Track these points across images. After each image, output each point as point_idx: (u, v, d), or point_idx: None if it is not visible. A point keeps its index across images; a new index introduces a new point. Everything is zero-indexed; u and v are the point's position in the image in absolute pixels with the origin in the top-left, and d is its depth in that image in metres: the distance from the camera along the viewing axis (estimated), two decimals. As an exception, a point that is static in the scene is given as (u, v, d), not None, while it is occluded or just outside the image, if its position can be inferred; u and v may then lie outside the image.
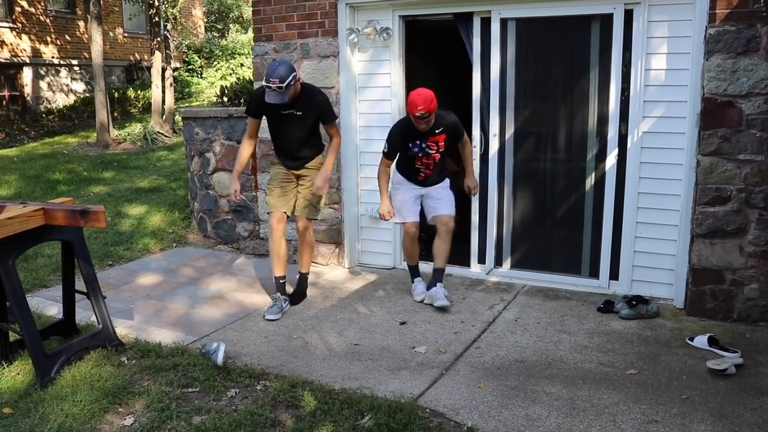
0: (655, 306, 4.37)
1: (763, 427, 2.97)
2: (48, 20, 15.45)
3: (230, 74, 17.59)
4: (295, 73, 4.17)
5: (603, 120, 4.68)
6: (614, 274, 4.78)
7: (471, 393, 3.34)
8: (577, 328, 4.19)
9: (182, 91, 17.22)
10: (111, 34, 16.74)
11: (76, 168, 10.05)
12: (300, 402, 3.23)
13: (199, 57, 19.20)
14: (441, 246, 4.66)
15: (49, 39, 15.46)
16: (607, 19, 4.50)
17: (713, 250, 4.22)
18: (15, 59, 14.69)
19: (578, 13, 4.59)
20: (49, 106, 15.36)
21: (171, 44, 14.25)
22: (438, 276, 4.69)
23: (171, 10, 13.87)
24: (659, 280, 4.61)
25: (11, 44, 14.60)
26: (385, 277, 5.37)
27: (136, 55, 17.94)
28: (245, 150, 4.62)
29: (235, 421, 3.04)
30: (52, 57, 15.54)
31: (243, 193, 6.06)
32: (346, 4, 5.23)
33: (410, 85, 5.52)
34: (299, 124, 4.44)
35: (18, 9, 14.69)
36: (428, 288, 4.68)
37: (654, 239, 4.58)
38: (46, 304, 4.69)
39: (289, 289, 4.85)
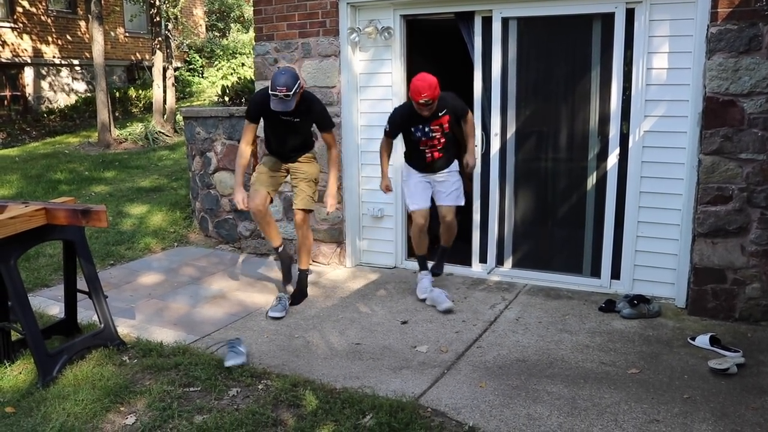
0: (657, 305, 4.37)
1: (765, 427, 2.97)
2: (49, 20, 15.46)
3: (231, 74, 17.59)
4: (299, 81, 4.23)
5: (604, 119, 4.67)
6: (616, 274, 4.78)
7: (472, 392, 3.34)
8: (579, 327, 4.19)
9: (183, 91, 17.22)
10: (112, 33, 16.74)
11: (78, 168, 10.06)
12: (301, 401, 3.23)
13: (200, 56, 19.20)
14: (444, 233, 4.82)
15: (50, 39, 15.46)
16: (608, 18, 4.50)
17: (715, 249, 4.22)
18: (16, 59, 14.70)
19: (580, 12, 4.59)
20: (50, 105, 15.37)
21: (172, 44, 14.25)
22: (441, 255, 4.92)
23: (172, 10, 13.87)
24: (661, 280, 4.61)
25: (12, 44, 14.60)
26: (386, 276, 5.37)
27: (138, 54, 17.94)
28: (245, 158, 4.61)
29: (236, 420, 3.05)
30: (54, 57, 15.55)
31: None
32: (348, 3, 5.23)
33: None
34: (296, 130, 4.53)
35: (19, 9, 14.69)
36: (432, 270, 4.87)
37: (655, 238, 4.57)
38: (48, 304, 4.70)
39: (290, 289, 4.87)
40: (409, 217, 5.32)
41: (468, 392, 3.35)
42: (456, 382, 3.47)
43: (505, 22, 4.82)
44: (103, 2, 12.78)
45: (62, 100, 15.68)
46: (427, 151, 4.56)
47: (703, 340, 3.84)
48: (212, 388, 3.39)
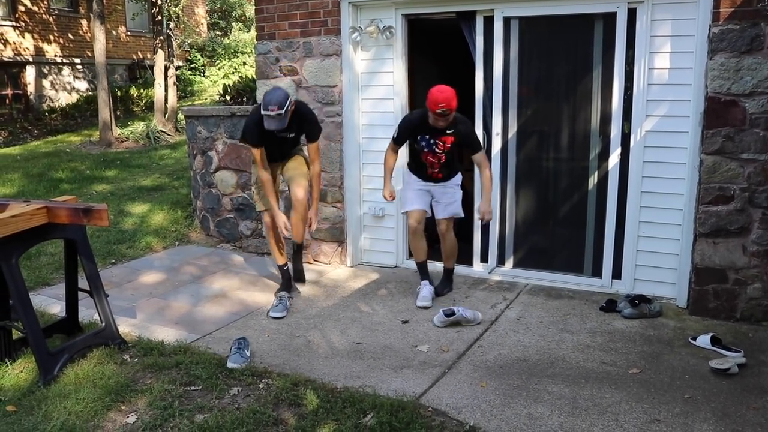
0: (658, 305, 4.37)
1: (766, 427, 2.97)
2: (51, 19, 15.47)
3: (233, 73, 17.61)
4: (290, 98, 4.34)
5: (606, 119, 4.67)
6: (617, 273, 4.78)
7: (473, 392, 3.34)
8: (580, 327, 4.19)
9: (185, 90, 17.22)
10: (114, 32, 16.75)
11: (79, 166, 10.06)
12: (302, 400, 3.23)
13: (201, 55, 19.20)
14: (444, 247, 4.79)
15: (52, 37, 15.47)
16: (610, 18, 4.49)
17: (716, 249, 4.21)
18: (18, 58, 14.71)
19: (581, 12, 4.59)
20: (52, 104, 15.37)
21: (173, 43, 14.25)
22: (446, 275, 4.89)
23: (174, 9, 13.87)
24: (662, 280, 4.61)
25: (14, 43, 14.61)
26: (387, 275, 5.37)
27: (139, 53, 17.94)
28: (268, 181, 4.62)
29: (237, 419, 3.05)
30: (55, 55, 15.56)
31: (245, 192, 6.08)
32: (349, 2, 5.23)
33: (413, 83, 5.53)
34: (290, 143, 4.69)
35: (21, 8, 14.70)
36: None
37: (657, 238, 4.57)
38: (49, 302, 4.70)
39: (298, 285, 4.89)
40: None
41: (469, 392, 3.35)
42: (457, 381, 3.47)
43: (506, 21, 4.82)
44: (104, 1, 12.78)
45: (64, 99, 15.69)
46: (428, 165, 4.56)
47: (704, 340, 3.84)
48: (213, 387, 3.39)
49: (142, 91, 16.12)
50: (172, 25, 14.04)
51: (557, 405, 3.19)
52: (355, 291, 5.01)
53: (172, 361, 3.68)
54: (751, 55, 3.95)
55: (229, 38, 20.91)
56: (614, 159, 4.65)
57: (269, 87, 5.58)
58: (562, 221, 5.05)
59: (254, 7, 5.74)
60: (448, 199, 4.60)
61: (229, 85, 7.65)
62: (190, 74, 18.55)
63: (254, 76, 6.43)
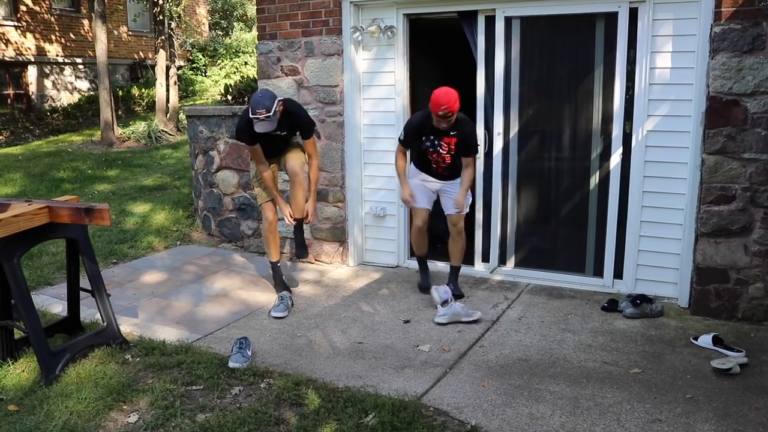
0: (660, 305, 4.36)
1: (768, 427, 2.97)
2: (52, 19, 15.47)
3: (234, 72, 17.60)
4: (278, 99, 4.38)
5: (607, 118, 4.67)
6: (618, 273, 4.77)
7: (475, 391, 3.34)
8: (581, 327, 4.19)
9: (186, 90, 17.23)
10: (115, 32, 16.75)
11: (81, 166, 10.07)
12: (304, 400, 3.23)
13: (203, 55, 19.21)
14: (452, 246, 4.77)
15: (53, 37, 15.48)
16: (611, 18, 4.49)
17: (718, 249, 4.21)
18: (20, 58, 14.71)
19: (583, 12, 4.58)
20: (53, 104, 15.38)
21: (175, 42, 14.26)
22: (453, 273, 4.85)
23: (175, 9, 13.87)
24: (663, 279, 4.60)
25: (16, 43, 14.62)
26: (389, 275, 5.37)
27: (141, 53, 17.95)
28: (269, 177, 4.74)
29: (238, 419, 3.05)
30: (57, 55, 15.57)
31: (246, 192, 6.08)
32: (351, 2, 5.23)
33: (414, 83, 5.53)
34: (284, 140, 4.71)
35: (23, 8, 14.71)
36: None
37: (658, 238, 4.57)
38: (51, 302, 4.71)
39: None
40: (412, 217, 5.32)
41: (470, 391, 3.35)
42: (458, 381, 3.47)
43: (508, 21, 4.81)
44: (106, 1, 12.79)
45: (65, 99, 15.69)
46: (433, 162, 4.58)
47: (705, 340, 3.83)
48: (215, 386, 3.39)
49: (143, 90, 16.13)
50: (173, 24, 14.05)
51: (559, 405, 3.19)
52: (357, 291, 5.01)
53: (174, 360, 3.68)
54: (753, 54, 3.94)
55: (230, 38, 20.92)
56: (616, 159, 4.64)
57: (271, 87, 5.60)
58: (564, 221, 5.05)
59: (256, 7, 5.75)
60: (455, 193, 4.61)
61: (230, 84, 7.67)
62: (192, 74, 18.56)
63: (256, 76, 6.44)
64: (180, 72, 16.66)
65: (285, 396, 3.28)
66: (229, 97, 7.28)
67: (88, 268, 3.84)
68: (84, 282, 3.95)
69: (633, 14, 4.40)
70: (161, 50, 13.23)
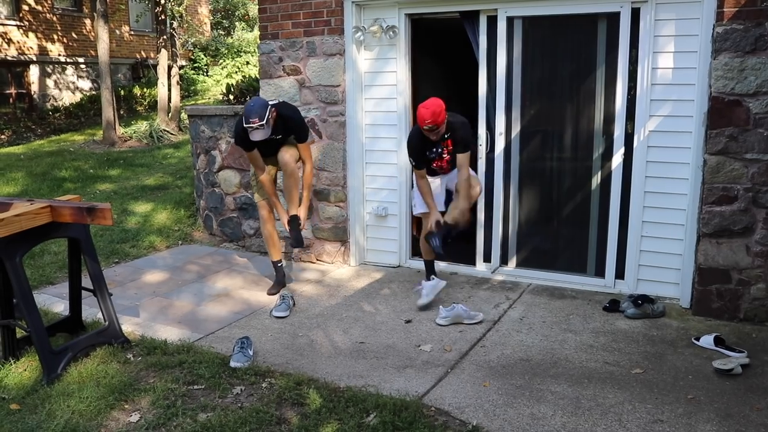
0: (661, 305, 4.36)
1: (770, 428, 2.97)
2: (55, 18, 15.49)
3: (236, 72, 17.61)
4: (270, 107, 4.45)
5: (609, 118, 4.66)
6: (620, 273, 4.77)
7: (476, 391, 3.34)
8: (583, 327, 4.19)
9: (188, 89, 17.25)
10: (117, 32, 16.76)
11: (83, 166, 10.08)
12: (305, 400, 3.24)
13: (205, 55, 19.24)
14: (462, 201, 4.48)
15: (55, 37, 15.50)
16: (613, 18, 4.49)
17: (720, 249, 4.21)
18: (22, 57, 14.73)
19: (585, 12, 4.58)
20: (55, 103, 15.40)
21: (177, 42, 14.29)
22: (447, 227, 4.64)
23: (177, 8, 13.90)
24: (665, 280, 4.60)
25: (18, 42, 14.64)
26: (390, 275, 5.37)
27: (143, 53, 17.96)
28: (267, 181, 4.83)
29: (240, 418, 3.05)
30: (59, 55, 15.58)
31: (248, 191, 6.08)
32: (353, 2, 5.23)
33: (416, 83, 5.53)
34: (279, 143, 4.75)
35: (25, 7, 14.72)
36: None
37: (660, 238, 4.56)
38: (53, 301, 4.71)
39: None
40: (413, 217, 5.33)
41: (472, 391, 3.35)
42: (460, 381, 3.47)
43: (510, 21, 4.81)
44: (108, 0, 12.80)
45: (67, 98, 15.71)
46: (436, 166, 4.60)
47: (707, 341, 3.83)
48: (216, 386, 3.40)
49: (145, 90, 16.15)
50: (175, 24, 14.08)
51: (560, 405, 3.19)
52: (358, 290, 5.01)
53: (176, 360, 3.68)
54: (755, 55, 3.94)
55: (232, 38, 20.95)
56: (617, 159, 4.64)
57: (273, 86, 5.60)
58: (566, 221, 5.05)
59: (257, 7, 5.75)
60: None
61: (232, 84, 7.68)
62: (194, 74, 18.59)
63: (257, 76, 6.45)
64: (182, 71, 16.68)
65: (286, 395, 3.28)
66: (231, 97, 7.29)
67: (90, 267, 3.84)
68: (86, 281, 3.96)
69: (635, 14, 4.40)
70: (163, 50, 13.24)
